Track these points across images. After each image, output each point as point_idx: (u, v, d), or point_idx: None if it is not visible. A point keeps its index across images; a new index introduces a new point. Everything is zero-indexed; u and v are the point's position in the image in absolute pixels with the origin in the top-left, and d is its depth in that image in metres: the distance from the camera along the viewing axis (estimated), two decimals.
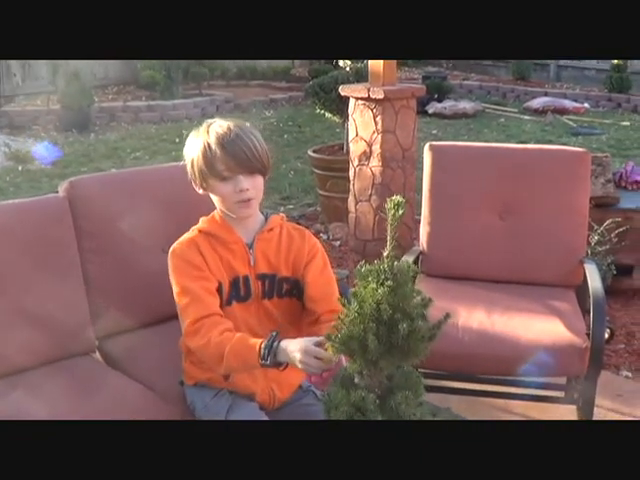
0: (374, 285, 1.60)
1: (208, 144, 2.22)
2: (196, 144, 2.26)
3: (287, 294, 2.37)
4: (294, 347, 2.00)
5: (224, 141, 2.20)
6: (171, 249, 2.31)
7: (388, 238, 1.64)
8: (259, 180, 2.27)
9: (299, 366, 1.99)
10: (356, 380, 1.67)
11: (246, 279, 2.31)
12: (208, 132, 2.24)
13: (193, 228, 2.37)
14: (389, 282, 1.60)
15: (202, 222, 2.37)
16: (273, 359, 2.04)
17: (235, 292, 2.31)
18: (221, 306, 2.27)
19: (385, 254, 1.64)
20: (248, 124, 2.31)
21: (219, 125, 2.25)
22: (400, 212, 1.61)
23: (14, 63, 11.71)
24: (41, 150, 8.52)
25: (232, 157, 2.20)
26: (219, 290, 2.27)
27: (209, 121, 2.30)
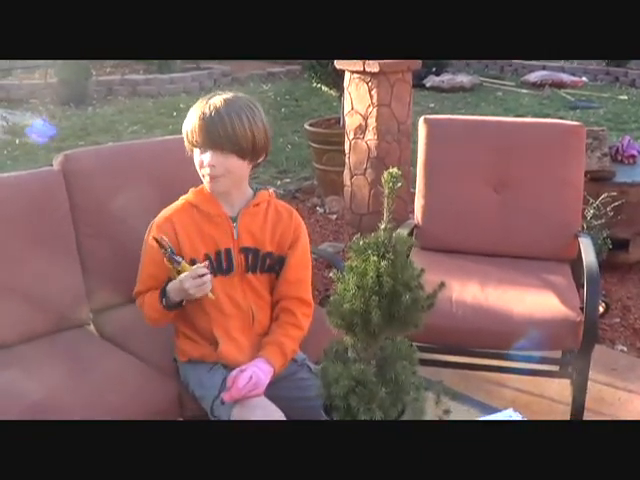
0: (375, 258, 1.60)
1: (194, 111, 2.26)
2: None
3: (270, 269, 2.41)
4: (175, 285, 2.24)
5: (203, 114, 2.23)
6: (153, 220, 2.36)
7: (385, 211, 1.64)
8: (232, 160, 2.27)
9: (191, 293, 2.20)
10: (349, 354, 1.68)
11: (228, 252, 2.33)
12: (205, 100, 2.28)
13: (182, 197, 2.40)
14: (389, 254, 1.60)
15: (190, 193, 2.41)
16: (169, 301, 2.29)
17: (217, 265, 2.34)
18: None
19: (382, 226, 1.64)
20: (249, 102, 2.31)
21: (212, 97, 2.28)
22: (398, 185, 1.61)
23: None
24: (36, 128, 8.49)
25: (203, 130, 2.23)
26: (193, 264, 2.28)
27: (216, 92, 2.32)
